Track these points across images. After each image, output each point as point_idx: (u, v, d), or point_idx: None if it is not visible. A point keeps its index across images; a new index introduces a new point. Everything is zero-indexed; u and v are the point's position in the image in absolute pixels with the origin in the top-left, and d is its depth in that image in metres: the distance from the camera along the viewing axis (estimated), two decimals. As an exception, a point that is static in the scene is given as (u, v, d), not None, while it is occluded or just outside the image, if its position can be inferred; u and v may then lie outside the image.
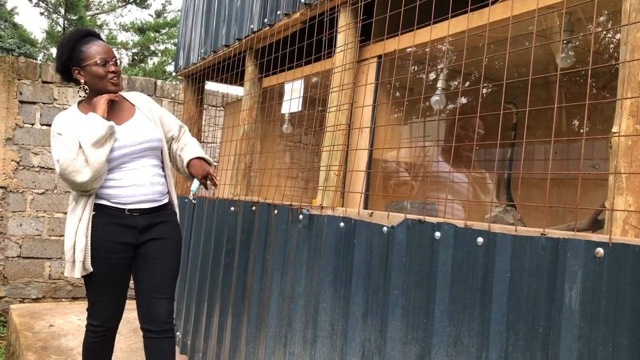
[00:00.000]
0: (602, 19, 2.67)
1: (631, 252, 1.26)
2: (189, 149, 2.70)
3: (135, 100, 2.61)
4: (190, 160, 2.65)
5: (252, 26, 3.33)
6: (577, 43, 2.44)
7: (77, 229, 2.35)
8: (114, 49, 2.56)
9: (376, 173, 2.51)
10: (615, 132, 1.40)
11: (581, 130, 3.08)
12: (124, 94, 2.61)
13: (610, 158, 1.42)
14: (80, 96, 2.50)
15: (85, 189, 2.32)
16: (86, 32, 2.49)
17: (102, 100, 2.38)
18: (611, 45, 2.78)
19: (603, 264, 1.31)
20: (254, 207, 2.96)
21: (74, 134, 2.32)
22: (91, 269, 2.35)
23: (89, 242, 2.35)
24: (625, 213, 1.36)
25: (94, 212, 2.38)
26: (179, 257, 2.60)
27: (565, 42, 1.95)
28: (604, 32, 2.41)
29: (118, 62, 2.47)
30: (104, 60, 2.39)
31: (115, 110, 2.49)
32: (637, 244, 1.26)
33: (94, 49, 2.40)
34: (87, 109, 2.44)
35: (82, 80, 2.43)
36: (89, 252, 2.35)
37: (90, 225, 2.36)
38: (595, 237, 1.36)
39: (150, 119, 2.57)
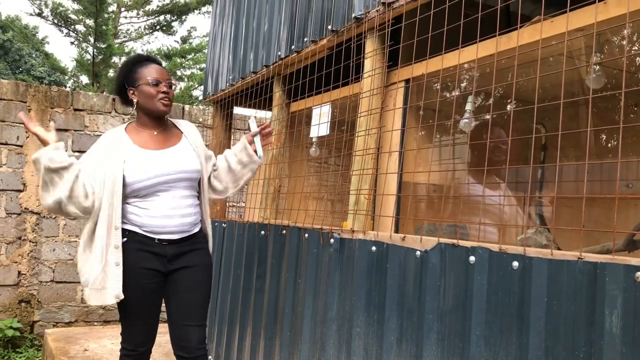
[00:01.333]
0: (629, 32, 2.66)
1: (673, 277, 1.25)
2: (228, 151, 2.79)
3: (183, 127, 2.68)
4: (242, 142, 2.72)
5: (279, 53, 3.39)
6: (605, 63, 2.43)
7: (91, 255, 2.38)
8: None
9: (407, 196, 2.51)
10: (651, 155, 1.39)
11: (609, 146, 3.04)
12: (174, 120, 2.69)
13: (647, 181, 1.41)
14: (130, 117, 2.59)
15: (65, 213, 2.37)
16: (145, 57, 2.63)
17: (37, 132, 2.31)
18: (638, 60, 2.77)
19: (644, 289, 1.30)
20: (284, 231, 2.98)
21: (95, 161, 2.40)
22: (122, 296, 2.37)
23: (120, 269, 2.38)
24: (664, 236, 1.35)
25: (125, 239, 2.42)
26: (210, 284, 2.62)
27: (595, 64, 1.95)
28: (634, 51, 2.39)
29: (173, 86, 2.56)
30: (156, 80, 2.49)
31: (163, 135, 2.56)
32: (678, 268, 1.24)
33: (148, 70, 2.52)
34: (136, 130, 2.54)
35: (135, 100, 2.52)
36: (121, 278, 2.37)
37: (119, 253, 2.38)
38: (634, 260, 1.35)
39: (194, 149, 2.62)
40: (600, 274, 1.40)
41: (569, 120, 2.91)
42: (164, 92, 2.50)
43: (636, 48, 2.48)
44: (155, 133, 2.54)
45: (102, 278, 2.36)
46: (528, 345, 1.56)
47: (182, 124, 2.70)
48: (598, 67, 1.95)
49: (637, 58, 2.78)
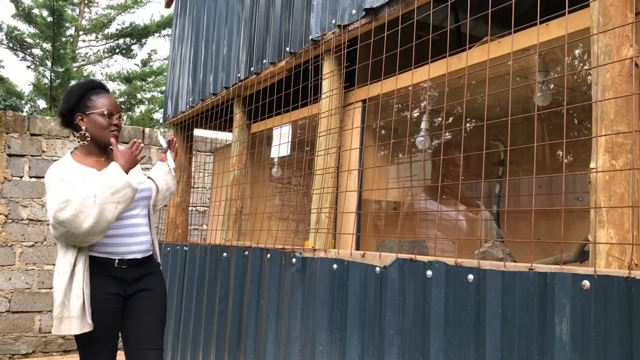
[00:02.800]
0: (578, 51, 2.78)
1: (615, 283, 1.30)
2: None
3: None
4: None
5: (238, 74, 3.42)
6: (554, 81, 2.53)
7: (73, 283, 2.33)
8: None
9: (367, 213, 2.55)
10: (593, 168, 1.46)
11: (566, 161, 3.16)
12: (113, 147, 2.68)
13: (590, 193, 1.47)
14: (77, 143, 2.55)
15: (83, 239, 2.30)
16: (98, 84, 2.61)
17: (131, 157, 2.45)
18: (589, 78, 2.89)
19: (590, 296, 1.35)
20: (246, 252, 2.98)
21: (78, 180, 2.34)
22: (91, 326, 2.32)
23: (88, 297, 2.33)
24: (608, 245, 1.41)
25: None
26: (166, 307, 2.62)
27: (541, 82, 2.03)
28: (579, 70, 2.51)
29: (122, 117, 2.57)
30: (110, 112, 2.49)
31: (109, 162, 2.54)
32: (620, 274, 1.30)
33: (103, 101, 2.50)
34: (83, 158, 2.49)
35: (83, 127, 2.49)
36: (89, 307, 2.32)
37: (87, 279, 2.34)
38: (581, 269, 1.41)
39: (141, 170, 2.65)
40: (550, 283, 1.45)
41: (525, 136, 3.01)
42: (115, 125, 2.50)
43: (576, 69, 2.59)
44: (103, 159, 2.53)
45: (83, 306, 2.31)
46: (485, 356, 1.60)
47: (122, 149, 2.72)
48: (544, 85, 2.03)
49: (585, 75, 2.90)
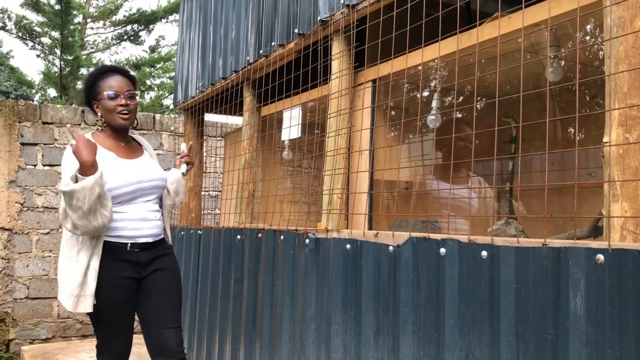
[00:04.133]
0: (589, 27, 2.75)
1: (630, 257, 1.31)
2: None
3: (141, 141, 2.73)
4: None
5: (248, 58, 3.41)
6: (565, 56, 2.51)
7: (88, 262, 2.35)
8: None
9: (379, 194, 2.56)
10: (606, 142, 1.45)
11: (578, 138, 3.14)
12: (134, 135, 2.70)
13: (604, 167, 1.47)
14: (98, 128, 2.57)
15: (95, 232, 2.33)
16: (108, 68, 2.59)
17: (84, 154, 2.22)
18: (601, 53, 2.86)
19: (604, 270, 1.36)
20: (260, 235, 3.00)
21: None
22: (94, 302, 2.35)
23: (96, 276, 2.36)
24: (622, 219, 1.41)
25: None
26: (180, 286, 2.65)
27: (552, 57, 2.01)
28: (591, 43, 2.48)
29: (135, 96, 2.53)
30: (115, 93, 2.46)
31: (129, 147, 2.59)
32: (635, 248, 1.30)
33: (107, 83, 2.48)
34: (103, 140, 2.51)
35: (99, 114, 2.52)
36: (95, 285, 2.35)
37: (99, 258, 2.36)
38: (595, 244, 1.41)
39: (155, 160, 2.69)
40: (564, 258, 1.45)
41: (537, 113, 2.99)
42: (122, 105, 2.47)
43: (589, 42, 2.56)
44: (122, 144, 2.55)
45: (85, 285, 2.34)
46: (499, 331, 1.61)
47: (140, 139, 2.75)
48: (555, 60, 2.02)
49: (597, 50, 2.87)
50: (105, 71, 2.56)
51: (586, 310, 1.39)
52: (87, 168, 2.20)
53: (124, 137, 2.57)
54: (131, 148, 2.60)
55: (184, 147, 2.92)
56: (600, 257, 1.36)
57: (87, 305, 2.34)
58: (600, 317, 1.36)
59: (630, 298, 1.30)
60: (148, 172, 2.53)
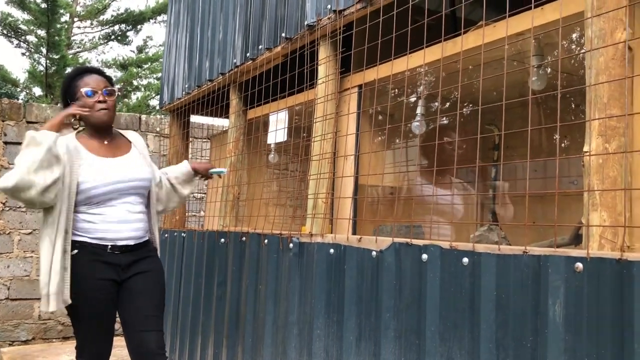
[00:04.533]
0: (575, 35, 2.78)
1: (608, 265, 1.32)
2: (173, 168, 2.92)
3: (131, 137, 2.67)
4: (187, 169, 2.87)
5: (235, 60, 3.41)
6: (550, 65, 2.54)
7: (51, 260, 2.32)
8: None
9: (363, 198, 2.56)
10: (586, 152, 1.47)
11: (563, 145, 3.17)
12: (121, 131, 2.67)
13: (584, 176, 1.49)
14: (77, 129, 2.55)
15: (29, 198, 2.26)
16: (83, 69, 2.61)
17: (59, 117, 2.40)
18: (585, 62, 2.89)
19: (583, 278, 1.37)
20: (244, 238, 2.99)
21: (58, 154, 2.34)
22: (69, 301, 2.32)
23: (67, 274, 2.33)
24: (601, 228, 1.43)
25: (76, 251, 2.37)
26: (164, 289, 2.62)
27: (536, 66, 2.04)
28: (574, 54, 2.51)
29: (113, 93, 2.53)
30: (92, 90, 2.47)
31: (113, 145, 2.55)
32: (613, 257, 1.32)
33: (84, 82, 2.49)
34: (86, 139, 2.50)
35: (78, 115, 2.50)
36: (68, 285, 2.33)
37: (67, 257, 2.34)
38: (574, 252, 1.42)
39: (144, 158, 2.62)
40: (544, 266, 1.47)
41: (522, 120, 3.00)
42: (100, 101, 2.47)
43: (570, 53, 2.59)
44: (105, 142, 2.53)
45: (55, 283, 2.31)
46: (480, 337, 1.62)
47: (129, 134, 2.69)
48: (538, 69, 2.04)
49: (580, 59, 2.90)
50: (81, 72, 2.57)
51: (565, 318, 1.41)
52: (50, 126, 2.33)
53: (106, 135, 2.54)
54: (115, 146, 2.56)
55: (224, 171, 2.95)
56: (579, 265, 1.38)
57: (53, 304, 2.31)
58: (578, 324, 1.38)
59: (608, 306, 1.32)
60: (128, 172, 2.49)
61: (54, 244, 2.32)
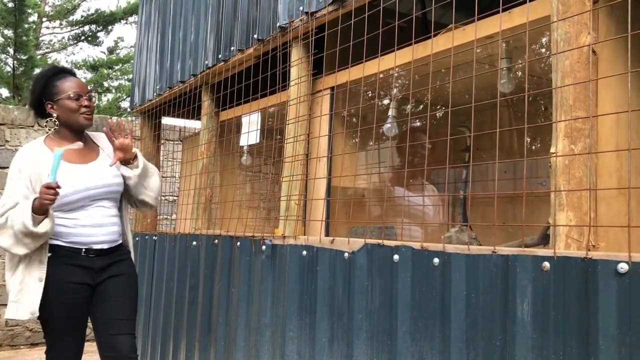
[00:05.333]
0: (544, 39, 2.83)
1: (574, 264, 1.35)
2: None
3: (98, 140, 2.62)
4: None
5: (206, 62, 3.39)
6: (519, 67, 2.58)
7: (24, 268, 2.30)
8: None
9: (336, 200, 2.57)
10: (553, 153, 1.50)
11: (533, 148, 3.22)
12: (90, 133, 2.63)
13: (551, 177, 1.52)
14: (47, 131, 2.51)
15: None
16: (61, 69, 2.56)
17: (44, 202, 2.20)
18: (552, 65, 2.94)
19: (550, 277, 1.40)
20: (216, 241, 2.97)
21: (25, 181, 2.31)
22: (37, 314, 2.29)
23: (41, 285, 2.30)
24: (567, 227, 1.45)
25: (50, 254, 2.35)
26: (137, 293, 2.59)
27: (504, 68, 2.07)
28: (540, 57, 2.56)
29: (93, 98, 2.50)
30: (77, 94, 2.44)
31: (84, 150, 2.50)
32: (578, 256, 1.35)
33: (68, 84, 2.46)
34: (56, 143, 2.45)
35: (55, 115, 2.46)
36: (39, 293, 2.30)
37: (43, 268, 2.31)
38: (541, 252, 1.45)
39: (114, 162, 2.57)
40: (512, 265, 1.49)
41: (493, 122, 3.05)
42: (85, 106, 2.45)
43: (538, 56, 2.64)
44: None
45: (20, 291, 2.29)
46: (450, 337, 1.64)
47: (98, 138, 2.64)
48: (507, 72, 2.07)
49: (549, 63, 2.96)
50: (59, 72, 2.53)
51: (532, 317, 1.43)
52: (44, 211, 2.22)
53: (79, 139, 2.50)
54: (87, 151, 2.53)
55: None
56: (546, 264, 1.40)
57: (23, 312, 2.28)
58: (545, 323, 1.40)
59: (574, 304, 1.35)
60: (99, 178, 2.46)
61: (29, 253, 2.30)
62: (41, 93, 2.48)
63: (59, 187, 2.19)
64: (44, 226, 2.22)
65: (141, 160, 2.57)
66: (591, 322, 1.30)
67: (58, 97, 2.44)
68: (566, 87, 1.48)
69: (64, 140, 2.48)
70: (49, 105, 2.46)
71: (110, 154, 2.56)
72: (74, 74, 2.55)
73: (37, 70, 13.43)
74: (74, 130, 2.49)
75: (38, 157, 2.40)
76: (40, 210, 2.21)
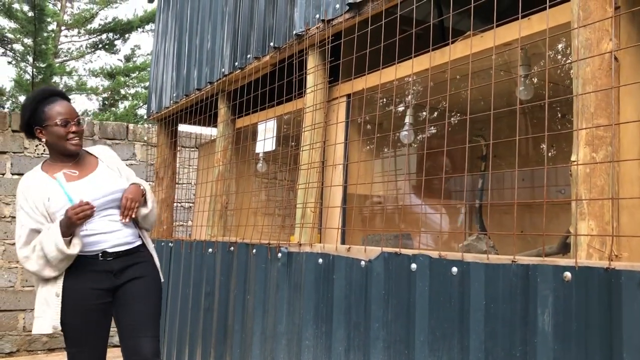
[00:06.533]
0: (561, 46, 2.81)
1: (596, 275, 1.32)
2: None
3: (97, 153, 2.63)
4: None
5: (223, 69, 3.40)
6: (535, 75, 2.56)
7: (44, 283, 2.36)
8: (79, 103, 2.58)
9: (352, 208, 2.56)
10: (574, 161, 1.47)
11: (550, 155, 3.19)
12: (87, 148, 2.63)
13: (572, 185, 1.49)
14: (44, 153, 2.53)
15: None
16: (49, 92, 2.51)
17: (76, 222, 2.29)
18: (571, 72, 2.92)
19: (571, 287, 1.37)
20: (232, 248, 2.97)
21: (34, 208, 2.35)
22: (59, 327, 2.33)
23: (59, 298, 2.34)
24: (589, 237, 1.43)
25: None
26: (160, 294, 2.57)
27: (523, 76, 2.05)
28: (560, 64, 2.53)
29: (81, 121, 2.50)
30: (65, 120, 2.41)
31: (79, 166, 2.51)
32: (601, 266, 1.32)
33: (56, 110, 2.42)
34: (52, 167, 2.47)
35: (44, 140, 2.46)
36: (59, 307, 2.33)
37: (59, 284, 2.35)
38: (562, 261, 1.43)
39: (114, 169, 2.58)
40: (532, 275, 1.47)
41: (509, 130, 3.02)
42: (73, 132, 2.43)
43: (557, 63, 2.62)
44: (71, 164, 2.49)
45: (42, 305, 2.34)
46: (469, 347, 1.62)
47: (95, 150, 2.65)
48: (525, 79, 2.05)
49: (568, 69, 2.93)
50: (47, 96, 2.49)
51: (553, 327, 1.40)
52: (74, 229, 2.31)
53: (72, 159, 2.50)
54: (82, 165, 2.52)
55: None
56: (568, 274, 1.38)
57: (46, 326, 2.33)
58: (567, 333, 1.37)
59: (596, 315, 1.32)
60: (100, 189, 2.44)
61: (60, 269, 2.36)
62: (30, 118, 2.45)
63: (87, 203, 2.28)
64: (76, 246, 2.30)
65: (150, 200, 2.60)
66: (615, 334, 1.28)
67: (46, 123, 2.42)
68: (587, 94, 1.46)
69: (56, 163, 2.49)
70: (38, 131, 2.45)
71: (109, 165, 2.57)
72: (64, 97, 2.52)
73: (55, 79, 13.62)
74: (64, 155, 2.50)
75: (39, 183, 2.41)
76: (68, 232, 2.28)
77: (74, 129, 2.43)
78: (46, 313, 2.33)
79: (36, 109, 2.44)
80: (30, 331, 5.55)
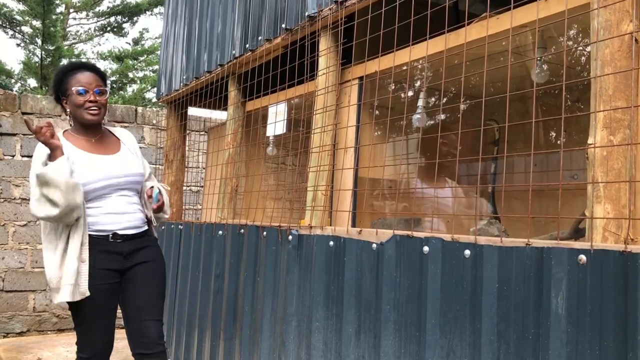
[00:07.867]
0: (572, 32, 2.78)
1: (612, 258, 1.32)
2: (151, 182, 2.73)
3: (120, 135, 2.69)
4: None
5: (233, 52, 3.39)
6: (550, 59, 2.53)
7: (64, 251, 2.34)
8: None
9: (363, 191, 2.55)
10: (591, 144, 1.46)
11: (559, 142, 3.17)
12: (110, 128, 2.67)
13: (588, 168, 1.48)
14: (70, 125, 2.56)
15: (66, 220, 2.31)
16: (77, 65, 2.57)
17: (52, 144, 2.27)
18: (582, 58, 2.89)
19: (586, 270, 1.37)
20: (242, 230, 2.98)
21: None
22: (88, 293, 2.33)
23: (85, 266, 2.34)
24: (604, 220, 1.42)
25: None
26: (165, 279, 2.65)
27: (539, 58, 2.03)
28: (577, 46, 2.50)
29: (104, 92, 2.50)
30: (83, 89, 2.44)
31: (102, 143, 2.55)
32: (617, 249, 1.31)
33: (76, 79, 2.47)
34: (73, 137, 2.51)
35: (68, 110, 2.49)
36: (86, 275, 2.34)
37: (85, 250, 2.35)
38: (577, 244, 1.42)
39: (134, 154, 2.64)
40: (547, 258, 1.46)
41: (519, 116, 3.00)
42: (91, 101, 2.45)
43: (575, 44, 2.59)
44: (93, 140, 2.53)
45: (76, 275, 2.32)
46: (481, 330, 1.62)
47: (118, 132, 2.70)
48: (541, 62, 2.03)
49: (579, 55, 2.90)
50: (75, 67, 2.54)
51: (567, 310, 1.40)
52: (54, 151, 2.25)
53: (95, 133, 2.55)
54: (105, 143, 2.57)
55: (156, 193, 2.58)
56: (583, 257, 1.38)
57: (65, 295, 2.32)
58: (581, 317, 1.37)
59: (611, 298, 1.32)
60: (121, 168, 2.50)
61: (68, 235, 2.34)
62: (57, 89, 2.53)
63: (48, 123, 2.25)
64: (63, 162, 2.24)
65: (167, 207, 2.69)
66: (630, 317, 1.27)
67: (68, 92, 2.48)
68: (606, 76, 1.44)
69: (79, 135, 2.52)
70: (64, 101, 2.52)
71: (131, 148, 2.61)
72: (89, 68, 2.54)
73: (64, 61, 13.62)
74: (85, 126, 2.51)
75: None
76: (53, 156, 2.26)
77: (91, 97, 2.45)
78: (80, 280, 2.33)
79: (61, 80, 2.50)
80: (41, 311, 5.61)
